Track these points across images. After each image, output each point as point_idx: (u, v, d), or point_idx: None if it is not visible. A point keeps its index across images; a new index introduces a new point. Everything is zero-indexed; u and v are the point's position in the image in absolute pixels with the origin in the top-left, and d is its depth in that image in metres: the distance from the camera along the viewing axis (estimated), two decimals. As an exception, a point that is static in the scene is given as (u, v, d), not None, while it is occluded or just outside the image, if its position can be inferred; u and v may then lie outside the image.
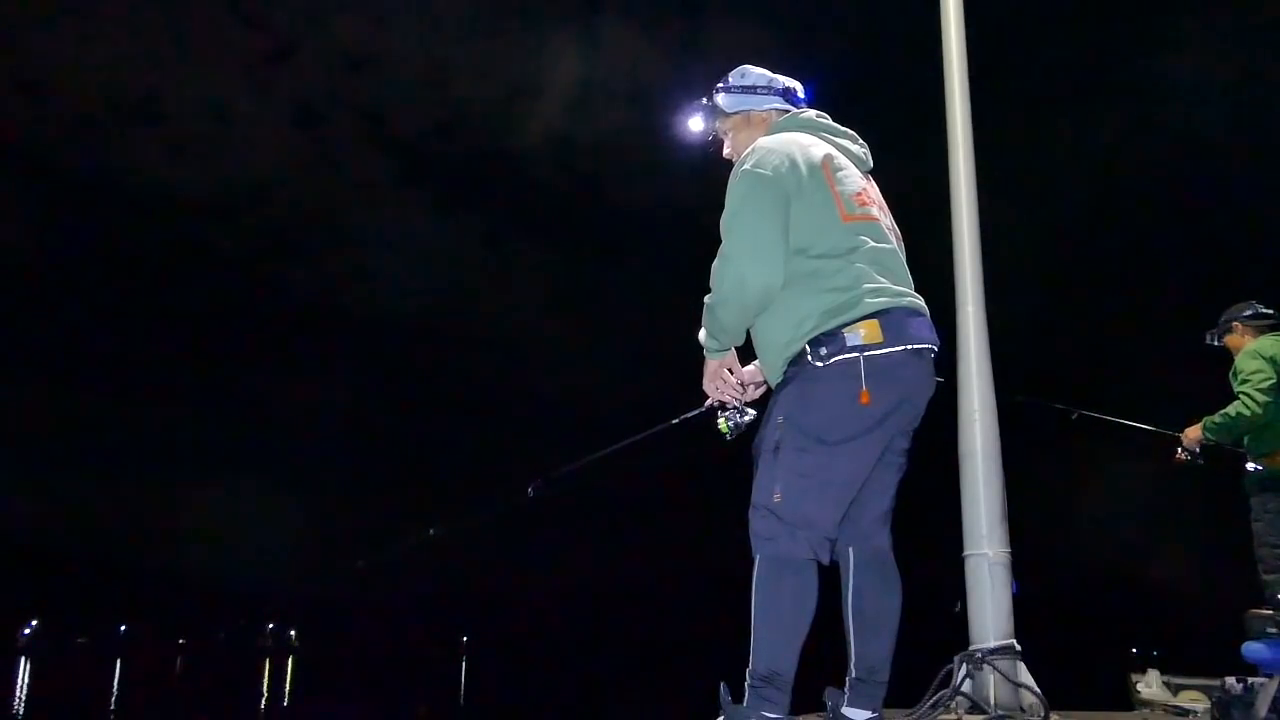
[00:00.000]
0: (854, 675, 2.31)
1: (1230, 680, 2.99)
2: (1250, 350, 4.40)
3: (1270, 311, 4.60)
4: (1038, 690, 3.00)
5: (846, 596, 2.34)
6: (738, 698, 2.15)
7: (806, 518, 2.16)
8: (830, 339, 2.21)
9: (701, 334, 2.44)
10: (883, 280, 2.27)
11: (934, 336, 2.34)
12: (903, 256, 2.44)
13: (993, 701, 3.03)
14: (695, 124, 2.69)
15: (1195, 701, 3.80)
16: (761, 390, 2.57)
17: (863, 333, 2.20)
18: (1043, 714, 2.89)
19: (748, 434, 2.47)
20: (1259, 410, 4.20)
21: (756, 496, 2.23)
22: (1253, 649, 3.09)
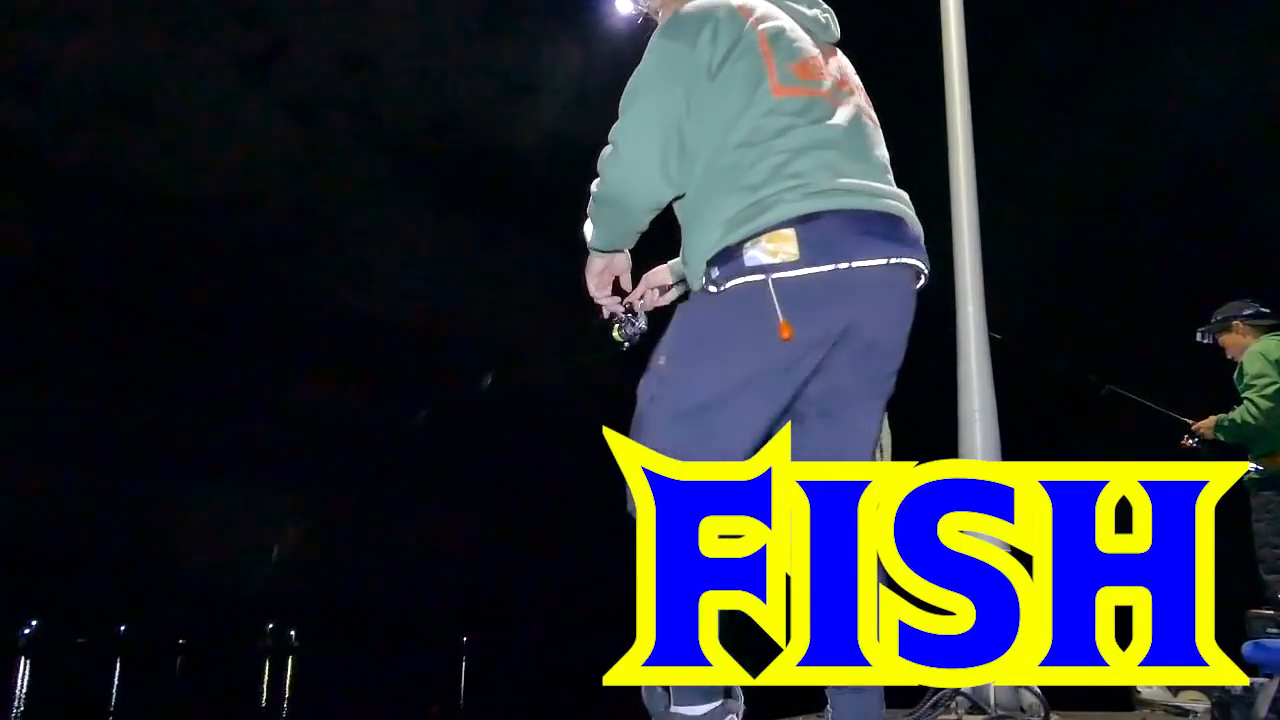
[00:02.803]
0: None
1: (1230, 680, 2.98)
2: (1255, 352, 4.40)
3: (1269, 310, 4.61)
4: (1038, 690, 3.00)
5: None
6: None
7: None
8: (726, 258, 1.67)
9: (586, 226, 1.92)
10: (817, 173, 1.67)
11: (900, 248, 1.70)
12: (873, 142, 1.82)
13: (993, 702, 3.03)
14: (623, 4, 2.14)
15: (1195, 701, 3.79)
16: (670, 296, 2.10)
17: (769, 247, 1.63)
18: (1043, 714, 2.89)
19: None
20: (1261, 418, 4.24)
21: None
22: (1253, 649, 3.10)
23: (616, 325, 2.14)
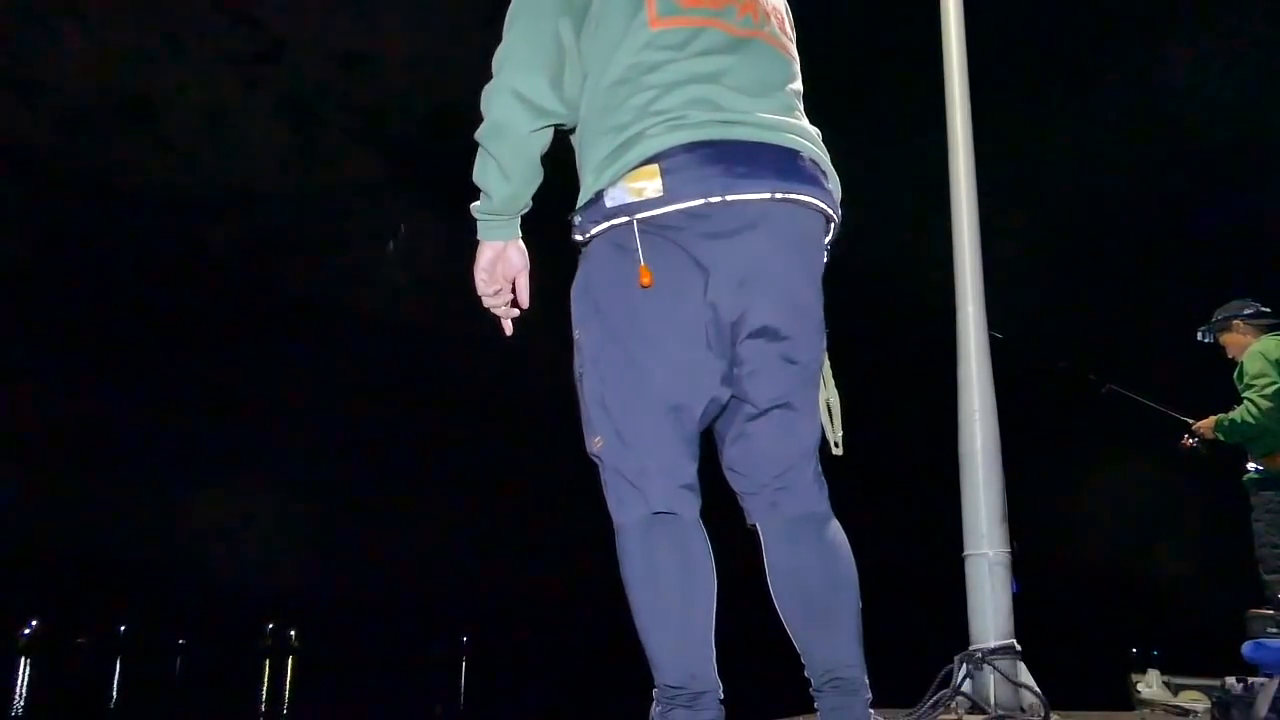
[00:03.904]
0: (812, 685, 1.60)
1: (1230, 680, 2.99)
2: (1255, 352, 4.38)
3: (1270, 310, 4.60)
4: (1038, 690, 3.00)
5: (768, 583, 1.63)
6: None
7: (641, 465, 1.49)
8: (590, 203, 1.52)
9: (474, 205, 1.64)
10: (689, 107, 1.49)
11: (791, 183, 1.49)
12: (775, 75, 1.60)
13: (993, 701, 3.03)
14: None
15: (1195, 701, 3.80)
16: None
17: (632, 186, 1.46)
18: (1043, 714, 2.89)
19: None
20: (1261, 418, 4.22)
21: (587, 445, 1.58)
22: (1253, 649, 3.10)
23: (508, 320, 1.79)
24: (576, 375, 1.58)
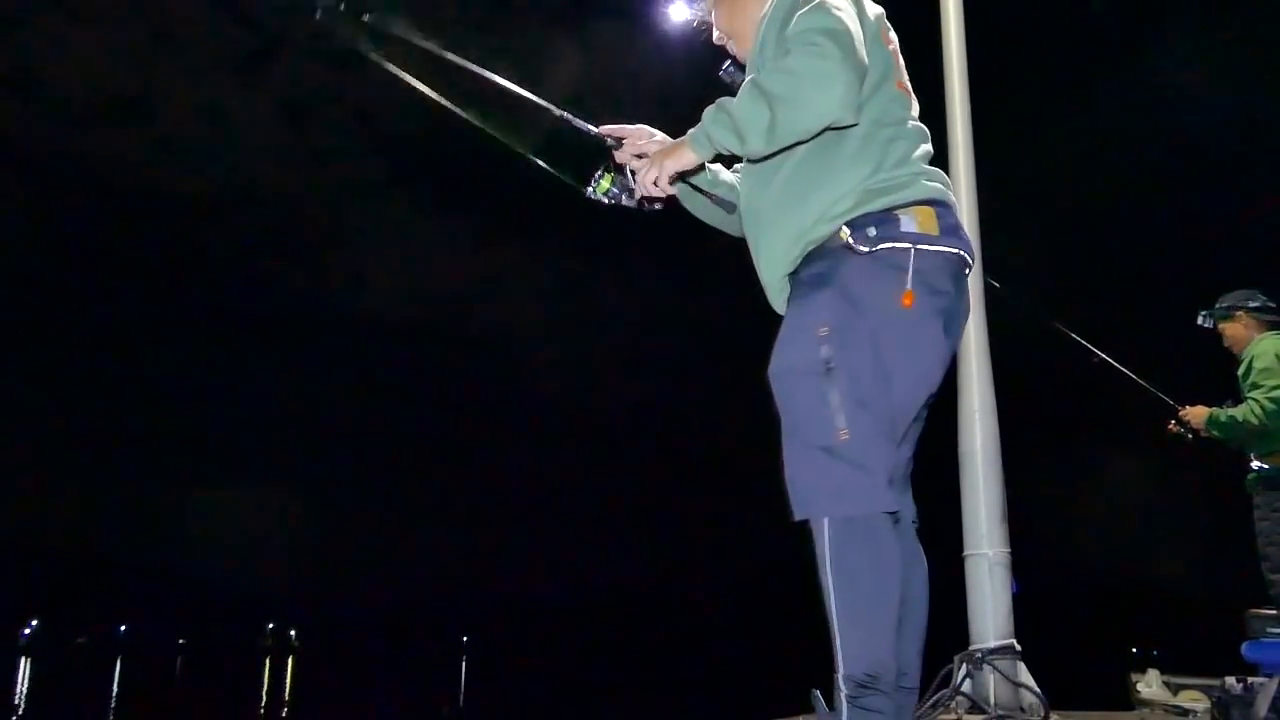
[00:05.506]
0: None
1: (1230, 680, 2.99)
2: (1266, 350, 4.24)
3: (1275, 305, 4.49)
4: (1038, 690, 3.01)
5: None
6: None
7: (878, 460, 1.62)
8: (881, 220, 1.68)
9: (707, 118, 1.70)
10: (929, 164, 1.81)
11: (971, 249, 1.83)
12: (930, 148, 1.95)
13: (993, 701, 3.03)
14: (678, 11, 2.10)
15: (1195, 701, 3.79)
16: (669, 191, 1.82)
17: (918, 219, 1.69)
18: (1043, 714, 2.89)
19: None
20: (1265, 419, 4.11)
21: (807, 435, 1.65)
22: (1253, 649, 3.10)
23: (612, 175, 1.96)
24: (816, 363, 1.65)
